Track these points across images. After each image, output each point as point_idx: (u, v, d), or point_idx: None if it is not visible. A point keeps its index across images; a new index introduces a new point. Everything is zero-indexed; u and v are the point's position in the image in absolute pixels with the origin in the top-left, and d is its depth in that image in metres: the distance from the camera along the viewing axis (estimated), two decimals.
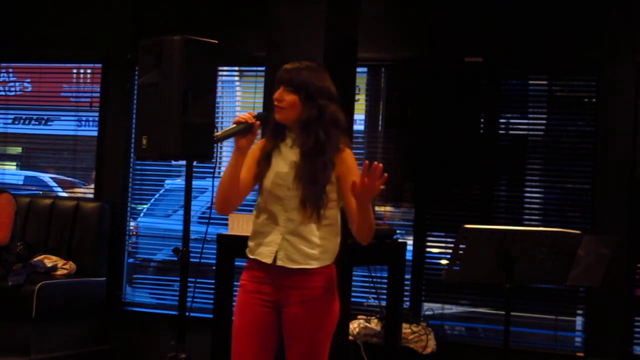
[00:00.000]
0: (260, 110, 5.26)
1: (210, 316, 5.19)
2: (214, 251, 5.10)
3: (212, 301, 5.46)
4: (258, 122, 3.28)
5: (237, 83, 6.87)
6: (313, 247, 3.31)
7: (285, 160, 3.37)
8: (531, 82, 6.11)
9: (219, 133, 3.33)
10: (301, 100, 3.30)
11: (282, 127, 3.38)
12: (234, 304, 5.16)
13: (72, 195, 7.15)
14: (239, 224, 5.04)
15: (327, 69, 3.44)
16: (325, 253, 3.35)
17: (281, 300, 3.33)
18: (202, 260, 5.34)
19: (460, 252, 3.89)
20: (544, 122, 6.06)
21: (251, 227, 3.43)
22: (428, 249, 6.08)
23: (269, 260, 3.31)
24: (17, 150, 7.54)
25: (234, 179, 3.29)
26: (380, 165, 3.04)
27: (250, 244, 3.41)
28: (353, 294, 5.43)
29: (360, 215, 3.20)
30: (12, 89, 7.26)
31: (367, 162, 3.05)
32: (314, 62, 3.45)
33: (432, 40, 6.08)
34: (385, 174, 3.05)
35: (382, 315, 5.41)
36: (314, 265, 3.31)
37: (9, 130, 7.25)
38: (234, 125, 3.28)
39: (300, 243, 3.30)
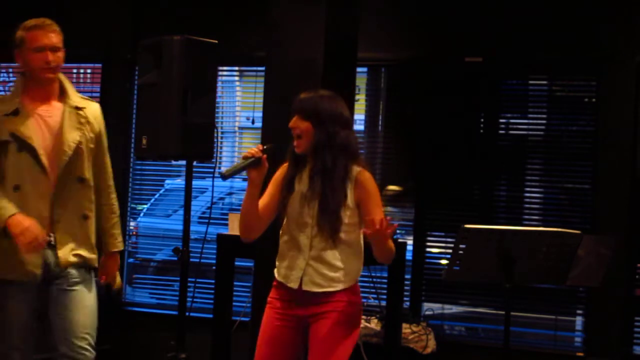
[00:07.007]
0: (260, 111, 5.27)
1: (210, 316, 5.19)
2: (214, 251, 5.10)
3: (212, 301, 5.46)
4: (265, 156, 3.35)
5: (237, 83, 6.87)
6: (336, 271, 3.39)
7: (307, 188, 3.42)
8: (531, 82, 6.11)
9: (226, 170, 3.35)
10: (313, 126, 3.36)
11: (302, 154, 3.43)
12: (234, 304, 5.19)
13: None
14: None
15: (340, 97, 3.48)
16: (348, 275, 3.43)
17: (307, 317, 3.41)
18: (202, 260, 5.33)
19: (460, 252, 3.88)
20: (544, 122, 6.05)
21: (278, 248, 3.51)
22: (428, 249, 6.08)
23: (294, 286, 3.41)
24: None
25: (251, 209, 3.40)
26: (386, 226, 3.15)
27: (278, 264, 3.50)
28: None
29: (376, 247, 3.28)
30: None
31: (374, 219, 3.16)
32: (329, 91, 3.51)
33: (432, 40, 6.08)
34: (396, 224, 3.21)
35: (382, 315, 5.41)
36: (337, 287, 3.40)
37: None
38: (242, 160, 3.35)
39: (324, 268, 3.39)
